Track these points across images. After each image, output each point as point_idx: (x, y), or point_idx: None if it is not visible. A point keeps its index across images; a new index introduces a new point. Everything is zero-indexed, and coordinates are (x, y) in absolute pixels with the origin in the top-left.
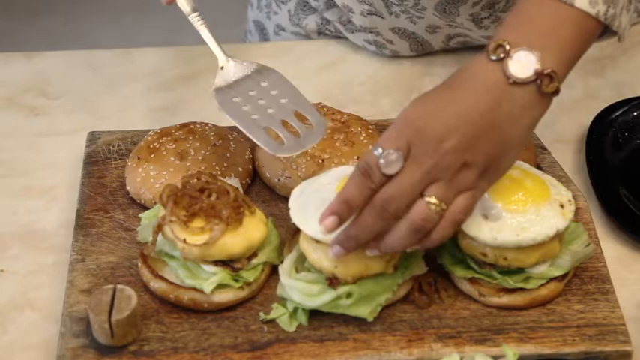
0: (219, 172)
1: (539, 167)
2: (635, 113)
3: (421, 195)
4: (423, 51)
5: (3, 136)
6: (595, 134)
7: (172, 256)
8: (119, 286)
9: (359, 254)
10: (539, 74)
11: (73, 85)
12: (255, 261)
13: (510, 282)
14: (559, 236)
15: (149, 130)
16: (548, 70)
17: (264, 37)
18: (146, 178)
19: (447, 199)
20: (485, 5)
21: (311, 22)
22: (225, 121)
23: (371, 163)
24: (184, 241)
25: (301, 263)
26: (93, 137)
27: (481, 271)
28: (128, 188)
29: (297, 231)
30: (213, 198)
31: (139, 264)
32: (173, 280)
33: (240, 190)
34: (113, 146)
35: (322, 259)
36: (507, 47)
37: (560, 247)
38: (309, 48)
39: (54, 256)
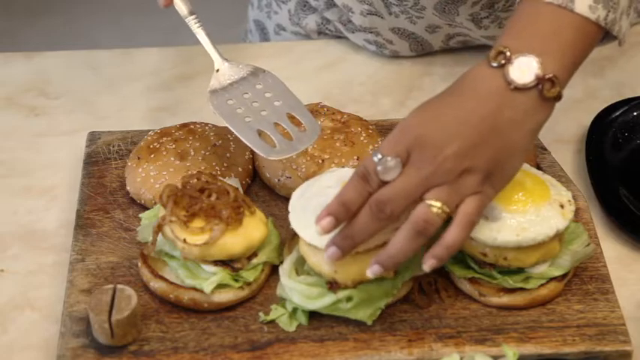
0: (219, 172)
1: (539, 167)
2: (635, 113)
3: (422, 199)
4: (422, 51)
5: (3, 136)
6: (595, 134)
7: (172, 256)
8: (119, 286)
9: (358, 259)
10: (540, 79)
11: (73, 85)
12: (255, 261)
13: (510, 282)
14: (559, 236)
15: (149, 130)
16: (550, 75)
17: (264, 36)
18: (146, 178)
19: (449, 202)
20: (484, 5)
21: (311, 21)
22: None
23: (369, 168)
24: (184, 241)
25: (301, 265)
26: (93, 137)
27: (481, 271)
28: (128, 188)
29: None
30: (213, 198)
31: (139, 264)
32: (173, 280)
33: (240, 190)
34: (113, 146)
35: (322, 263)
36: (508, 53)
37: (560, 247)
38: (310, 48)
39: (54, 256)
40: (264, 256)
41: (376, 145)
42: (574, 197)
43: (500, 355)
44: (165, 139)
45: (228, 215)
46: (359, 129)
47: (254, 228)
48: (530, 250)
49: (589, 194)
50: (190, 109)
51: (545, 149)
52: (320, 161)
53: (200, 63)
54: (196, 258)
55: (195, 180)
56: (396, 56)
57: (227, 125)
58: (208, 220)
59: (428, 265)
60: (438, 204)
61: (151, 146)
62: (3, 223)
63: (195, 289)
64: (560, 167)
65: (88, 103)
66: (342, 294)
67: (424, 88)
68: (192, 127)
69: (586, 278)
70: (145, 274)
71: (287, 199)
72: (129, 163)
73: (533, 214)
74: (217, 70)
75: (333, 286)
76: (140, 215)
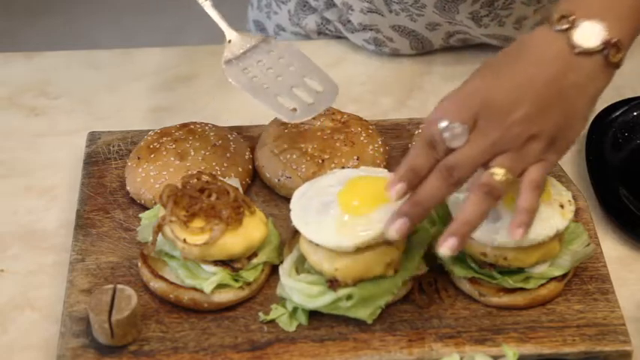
0: (219, 172)
1: None
2: (635, 113)
3: (487, 166)
4: (423, 49)
5: (3, 136)
6: (595, 134)
7: (172, 256)
8: (119, 286)
9: (359, 257)
10: (606, 44)
11: (73, 85)
12: (255, 261)
13: (510, 282)
14: (559, 236)
15: (149, 130)
16: (615, 40)
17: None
18: (146, 178)
19: (513, 169)
20: (484, 3)
21: (311, 22)
22: (225, 120)
23: (435, 135)
24: (184, 241)
25: (301, 264)
26: (93, 137)
27: (481, 271)
28: (128, 188)
29: (297, 231)
30: (213, 198)
31: (139, 264)
32: (173, 280)
33: (240, 190)
34: (113, 146)
35: (322, 261)
36: (572, 18)
37: (560, 247)
38: (309, 48)
39: (54, 256)
40: (264, 256)
41: (376, 146)
42: (574, 197)
43: (500, 355)
44: (165, 139)
45: (228, 215)
46: (359, 129)
47: (254, 228)
48: (531, 250)
49: (589, 194)
50: (190, 109)
51: None
52: (320, 161)
53: (200, 63)
54: (196, 258)
55: (195, 180)
56: (396, 54)
57: (247, 93)
58: (208, 220)
59: (517, 234)
60: (503, 171)
61: (151, 146)
62: (3, 223)
63: (195, 289)
64: (560, 167)
65: (88, 103)
66: (342, 292)
67: (424, 87)
68: (192, 127)
69: (586, 278)
70: (145, 274)
71: (287, 199)
72: (129, 163)
73: None
74: (229, 41)
75: (333, 284)
76: (140, 215)
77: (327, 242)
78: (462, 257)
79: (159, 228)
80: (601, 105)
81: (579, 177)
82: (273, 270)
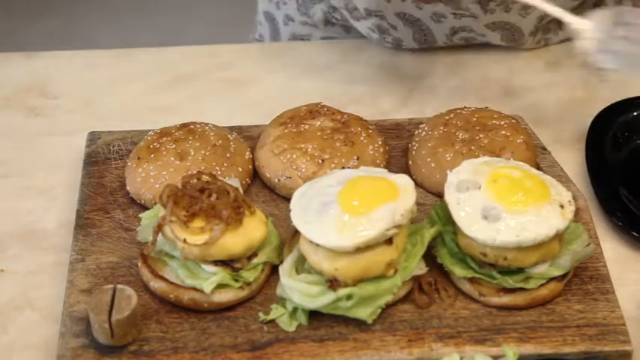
0: (219, 172)
1: (539, 167)
2: (635, 113)
3: None
4: (425, 43)
5: (3, 136)
6: (595, 134)
7: (172, 256)
8: (119, 286)
9: (359, 257)
10: None
11: (72, 85)
12: (255, 261)
13: (510, 282)
14: (559, 236)
15: (149, 130)
16: None
17: (274, 27)
18: (146, 178)
19: None
20: None
21: (318, 11)
22: (225, 120)
23: None
24: (184, 241)
25: (301, 264)
26: (93, 137)
27: (481, 271)
28: (128, 188)
29: (297, 231)
30: (213, 198)
31: (139, 264)
32: (173, 280)
33: (240, 190)
34: (113, 146)
35: (322, 261)
36: None
37: (560, 248)
38: (310, 49)
39: (54, 256)
40: (264, 256)
41: (376, 146)
42: (574, 197)
43: (500, 355)
44: (165, 139)
45: (228, 215)
46: (359, 129)
47: (254, 228)
48: (530, 250)
49: (589, 194)
50: (190, 110)
51: (546, 149)
52: (320, 161)
53: (200, 63)
54: (196, 258)
55: (196, 180)
56: (398, 48)
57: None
58: (208, 220)
59: None
60: None
61: (151, 146)
62: (3, 223)
63: (195, 289)
64: (560, 167)
65: (88, 103)
66: (342, 292)
67: (423, 88)
68: (192, 127)
69: (586, 278)
70: (145, 274)
71: (287, 199)
72: (129, 163)
73: (533, 215)
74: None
75: (333, 284)
76: (140, 215)
77: (327, 242)
78: (462, 257)
79: (159, 228)
80: (601, 105)
81: (579, 177)
82: (273, 270)
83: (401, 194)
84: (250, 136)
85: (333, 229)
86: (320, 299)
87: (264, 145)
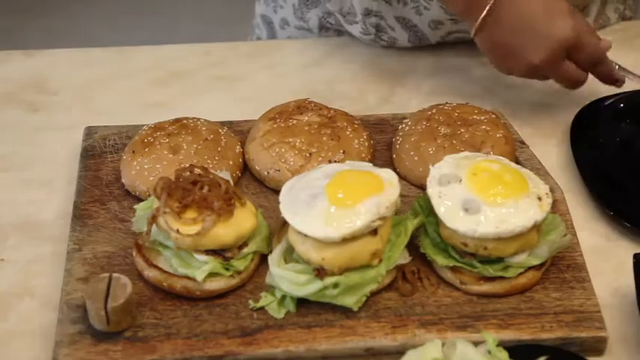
0: (210, 165)
1: (517, 161)
2: (621, 105)
3: None
4: (420, 43)
5: (3, 130)
6: (583, 123)
7: (166, 246)
8: (115, 275)
9: (345, 247)
10: None
11: (70, 81)
12: (245, 250)
13: (490, 271)
14: (537, 227)
15: (143, 125)
16: None
17: (271, 30)
18: (140, 171)
19: None
20: None
21: (313, 16)
22: (216, 116)
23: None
24: (177, 231)
25: (290, 254)
26: (89, 132)
27: (462, 260)
28: (123, 181)
29: (286, 222)
30: (205, 190)
31: (134, 253)
32: (167, 269)
33: (231, 182)
34: (109, 140)
35: (310, 251)
36: None
37: (538, 238)
38: (297, 46)
39: (52, 246)
40: (254, 246)
41: (362, 140)
42: (551, 190)
43: (480, 340)
44: (159, 133)
45: (219, 207)
46: (345, 124)
47: (244, 219)
48: (510, 240)
49: (568, 186)
50: (183, 105)
51: (524, 143)
52: (307, 155)
53: (193, 61)
54: (189, 247)
55: (188, 173)
56: (391, 46)
57: None
58: (200, 212)
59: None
60: None
61: (146, 140)
62: (3, 214)
63: (187, 277)
64: (538, 161)
65: (85, 99)
66: (328, 281)
67: (407, 85)
68: (185, 122)
69: (563, 267)
70: (140, 263)
71: (276, 192)
72: (124, 157)
73: (512, 207)
74: None
75: (320, 273)
76: (135, 207)
77: (314, 233)
78: (444, 247)
79: (153, 219)
80: (580, 101)
81: (556, 169)
82: (263, 259)
83: (386, 187)
84: (241, 131)
85: (320, 221)
86: (307, 287)
87: (254, 140)
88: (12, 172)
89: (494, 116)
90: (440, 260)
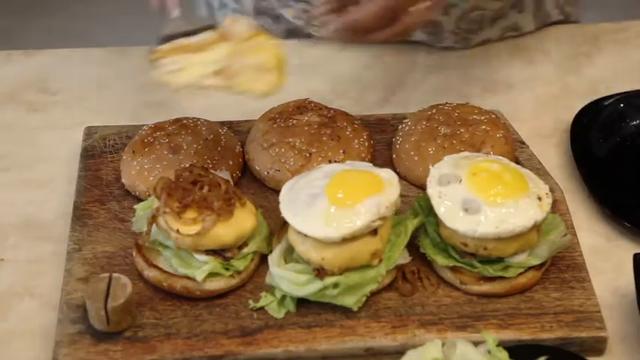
0: (210, 165)
1: (517, 161)
2: (621, 105)
3: None
4: None
5: (3, 130)
6: (584, 123)
7: (166, 246)
8: (115, 275)
9: (345, 247)
10: None
11: (70, 81)
12: (245, 250)
13: (490, 271)
14: (537, 227)
15: (143, 125)
16: None
17: (211, 11)
18: (140, 171)
19: None
20: None
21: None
22: (216, 116)
23: None
24: (177, 231)
25: (290, 254)
26: (89, 132)
27: (462, 260)
28: (123, 181)
29: (286, 222)
30: (205, 190)
31: (134, 253)
32: (167, 269)
33: (231, 182)
34: (109, 140)
35: (310, 251)
36: None
37: (538, 238)
38: (297, 46)
39: (52, 246)
40: (254, 246)
41: (361, 140)
42: (551, 190)
43: (480, 340)
44: (158, 133)
45: (219, 206)
46: (345, 124)
47: (244, 219)
48: (510, 240)
49: (568, 186)
50: (183, 105)
51: (524, 143)
52: (307, 155)
53: None
54: (189, 247)
55: (188, 173)
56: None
57: None
58: (200, 212)
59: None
60: None
61: (145, 140)
62: (3, 214)
63: (187, 277)
64: (537, 160)
65: (85, 99)
66: (328, 281)
67: (407, 85)
68: (184, 122)
69: (563, 267)
70: (140, 263)
71: (275, 192)
72: (124, 157)
73: (512, 207)
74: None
75: (320, 273)
76: (135, 207)
77: (314, 233)
78: (443, 247)
79: (153, 219)
80: (578, 101)
81: (556, 169)
82: (263, 259)
83: (385, 187)
84: (240, 131)
85: (320, 221)
86: (307, 287)
87: (254, 140)
88: (12, 172)
89: (494, 116)
90: (440, 260)
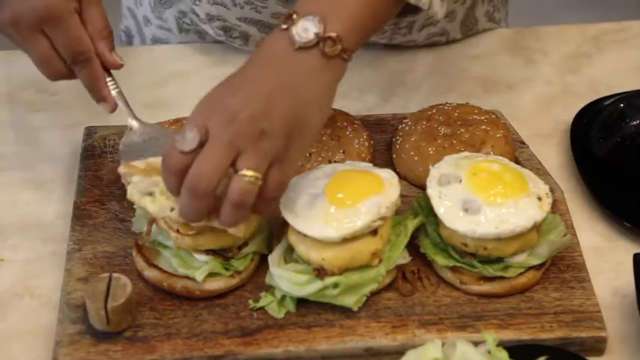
0: None
1: (517, 161)
2: (621, 105)
3: (236, 172)
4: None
5: (3, 130)
6: (585, 123)
7: (166, 246)
8: (115, 275)
9: (346, 247)
10: (320, 38)
11: (70, 81)
12: (245, 250)
13: (490, 271)
14: (537, 227)
15: None
16: (331, 34)
17: (137, 25)
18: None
19: (259, 167)
20: None
21: (170, 16)
22: None
23: (170, 145)
24: (177, 231)
25: (290, 254)
26: (89, 132)
27: (462, 260)
28: (123, 181)
29: (286, 222)
30: None
31: (134, 253)
32: (167, 269)
33: None
34: (109, 140)
35: (310, 251)
36: (294, 16)
37: (538, 238)
38: None
39: (52, 246)
40: (254, 246)
41: (361, 140)
42: (551, 190)
43: (480, 340)
44: None
45: None
46: (345, 124)
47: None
48: (510, 240)
49: (568, 187)
50: (183, 105)
51: (524, 143)
52: (307, 155)
53: (192, 61)
54: (189, 247)
55: None
56: (245, 45)
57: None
58: None
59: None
60: (250, 172)
61: None
62: (3, 214)
63: (187, 277)
64: (537, 160)
65: (85, 99)
66: (328, 281)
67: (407, 84)
68: (184, 122)
69: (563, 267)
70: (140, 263)
71: None
72: None
73: (512, 207)
74: (130, 129)
75: (320, 273)
76: (135, 206)
77: (314, 233)
78: (443, 247)
79: (153, 219)
80: (578, 101)
81: (556, 170)
82: (263, 259)
83: (386, 187)
84: None
85: (320, 221)
86: (307, 287)
87: None
88: (12, 171)
89: (494, 116)
90: (440, 260)
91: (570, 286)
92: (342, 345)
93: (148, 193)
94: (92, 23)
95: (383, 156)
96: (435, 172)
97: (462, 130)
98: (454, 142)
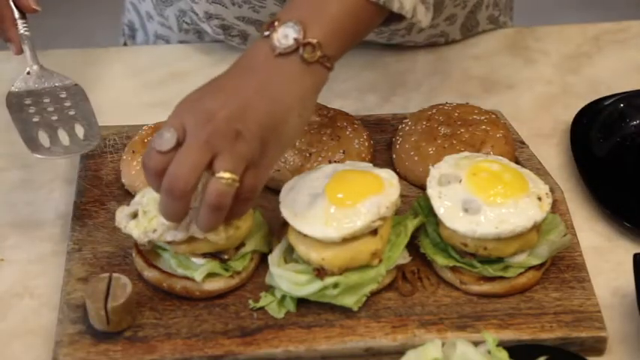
0: None
1: (517, 161)
2: (621, 105)
3: (213, 174)
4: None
5: (3, 129)
6: (584, 124)
7: (164, 248)
8: (115, 275)
9: (346, 247)
10: (299, 43)
11: None
12: (243, 250)
13: (490, 271)
14: (537, 227)
15: (143, 125)
16: (310, 40)
17: (140, 20)
18: (140, 171)
19: (236, 169)
20: None
21: (171, 14)
22: None
23: (149, 146)
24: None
25: (290, 254)
26: None
27: (462, 260)
28: (123, 180)
29: (286, 222)
30: None
31: (134, 254)
32: (166, 270)
33: None
34: (109, 140)
35: (310, 251)
36: (276, 23)
37: (538, 238)
38: None
39: (52, 246)
40: (252, 246)
41: (361, 140)
42: (551, 190)
43: (480, 340)
44: None
45: None
46: (345, 123)
47: (239, 220)
48: (510, 240)
49: (567, 186)
50: None
51: (524, 143)
52: (307, 155)
53: (192, 60)
54: (185, 253)
55: None
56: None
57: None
58: None
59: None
60: (227, 175)
61: (145, 140)
62: (3, 214)
63: (187, 277)
64: (537, 160)
65: None
66: (328, 281)
67: (407, 84)
68: None
69: (563, 267)
70: (139, 263)
71: (275, 191)
72: (124, 157)
73: (512, 207)
74: (27, 73)
75: (320, 273)
76: None
77: (314, 233)
78: (443, 247)
79: None
80: (578, 101)
81: (556, 170)
82: (263, 259)
83: (386, 187)
84: None
85: (320, 221)
86: (307, 287)
87: None
88: (12, 171)
89: (494, 116)
90: (440, 260)
91: (570, 286)
92: (342, 345)
93: (133, 214)
94: None
95: (383, 156)
96: (435, 172)
97: (462, 130)
98: (454, 142)
